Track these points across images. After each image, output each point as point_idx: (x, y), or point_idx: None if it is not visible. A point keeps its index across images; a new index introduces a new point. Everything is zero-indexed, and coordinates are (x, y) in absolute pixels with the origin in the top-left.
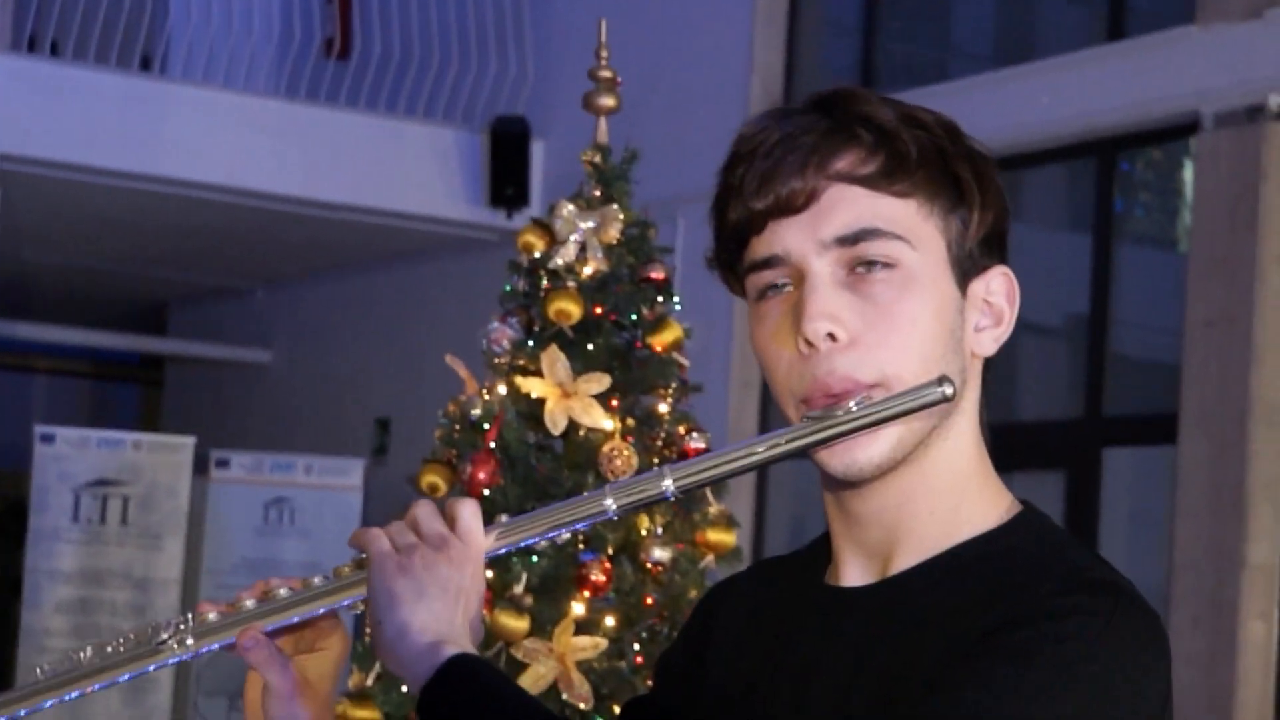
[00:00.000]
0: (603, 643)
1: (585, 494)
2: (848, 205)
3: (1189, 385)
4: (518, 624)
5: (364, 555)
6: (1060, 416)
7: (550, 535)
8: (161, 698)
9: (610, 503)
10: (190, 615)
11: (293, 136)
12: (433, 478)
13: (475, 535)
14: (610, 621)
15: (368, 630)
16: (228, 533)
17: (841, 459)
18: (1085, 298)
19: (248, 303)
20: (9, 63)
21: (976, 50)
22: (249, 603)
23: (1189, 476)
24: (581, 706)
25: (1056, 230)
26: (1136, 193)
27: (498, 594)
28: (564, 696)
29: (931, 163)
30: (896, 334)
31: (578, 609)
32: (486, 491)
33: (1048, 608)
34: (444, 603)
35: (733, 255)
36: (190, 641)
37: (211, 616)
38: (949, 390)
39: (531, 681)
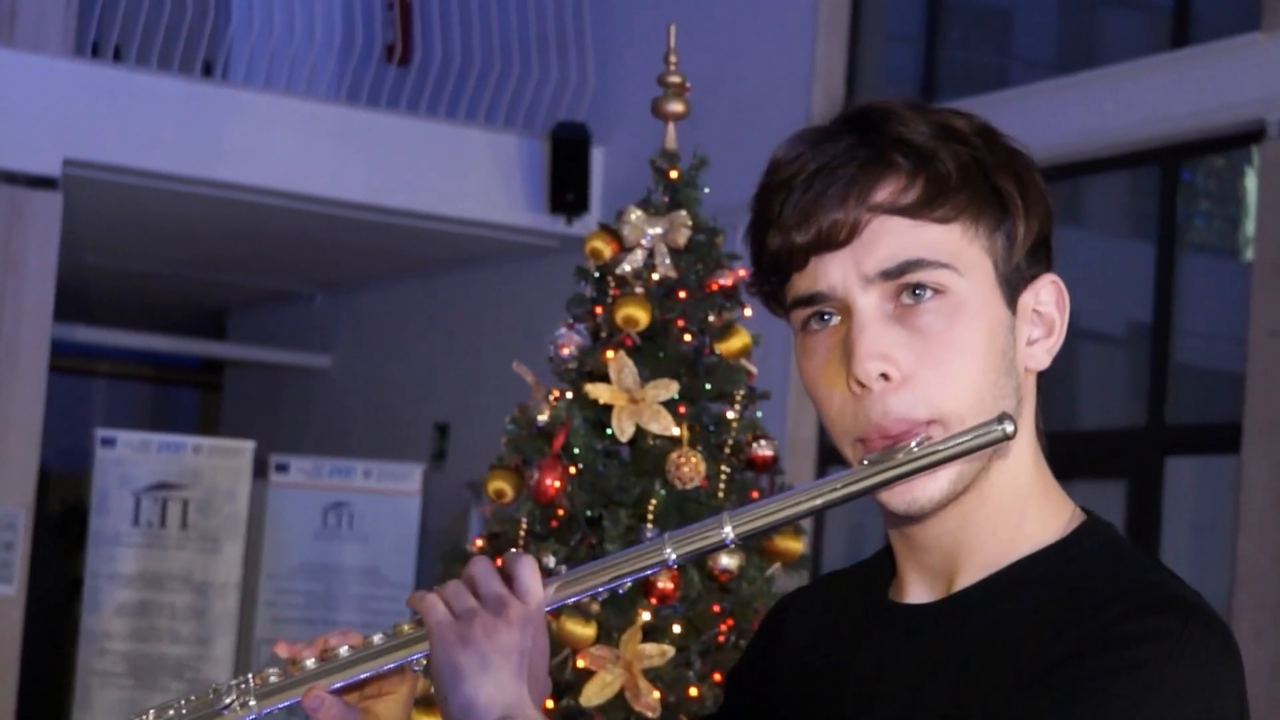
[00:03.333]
0: (670, 650)
1: (644, 543)
2: (891, 237)
3: (1253, 394)
4: (585, 631)
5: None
6: (1122, 425)
7: (611, 586)
8: None
9: (670, 552)
10: (251, 676)
11: (353, 142)
12: (500, 484)
13: (534, 593)
14: (677, 629)
15: None
16: (287, 537)
17: (902, 498)
18: (1148, 306)
19: (307, 308)
20: (72, 68)
21: (1038, 58)
22: (310, 662)
23: (1252, 486)
24: (648, 715)
25: (1119, 238)
26: (1199, 201)
27: None
28: (631, 705)
29: (972, 180)
30: (948, 365)
31: (645, 617)
32: (554, 498)
33: (1117, 634)
34: (508, 672)
35: (774, 285)
36: (253, 703)
37: (273, 678)
38: (1010, 428)
39: (598, 689)
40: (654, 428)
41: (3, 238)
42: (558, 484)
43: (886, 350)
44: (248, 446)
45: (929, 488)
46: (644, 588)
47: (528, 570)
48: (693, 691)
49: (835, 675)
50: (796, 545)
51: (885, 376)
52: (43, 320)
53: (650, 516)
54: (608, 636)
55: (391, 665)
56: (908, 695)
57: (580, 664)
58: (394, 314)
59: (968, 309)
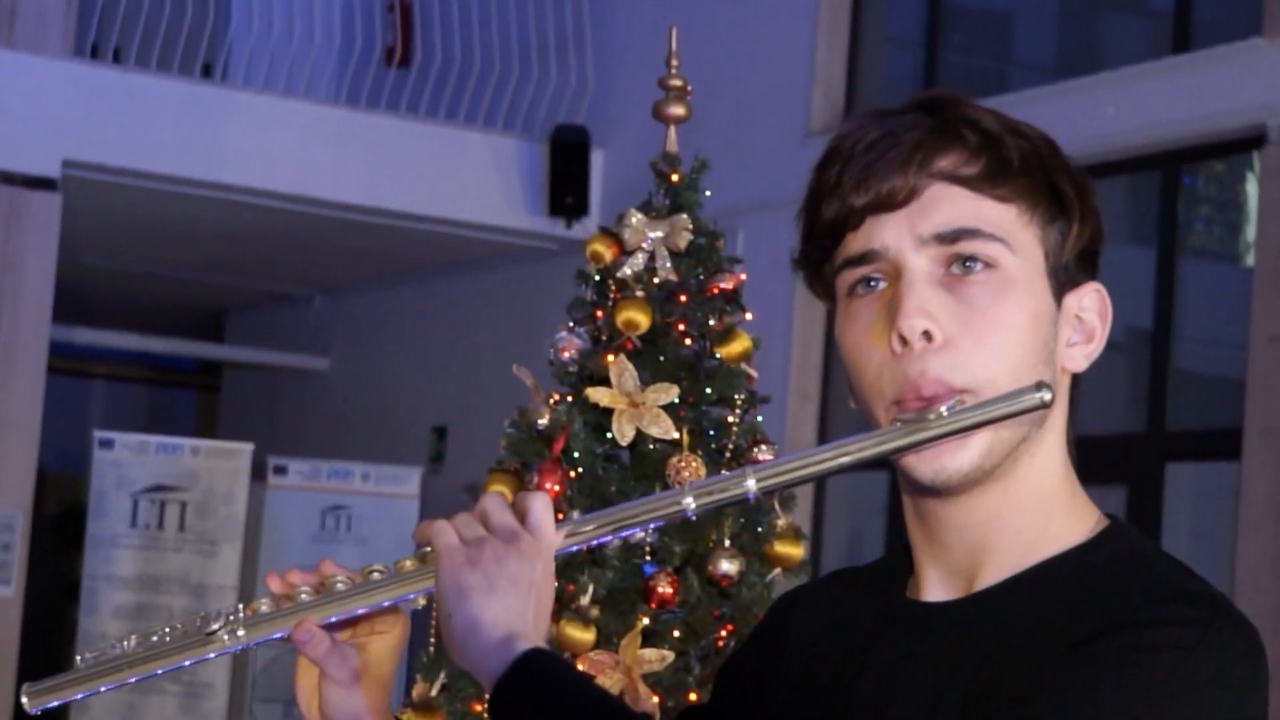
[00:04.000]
0: (669, 655)
1: (664, 491)
2: (949, 203)
3: (1253, 400)
4: (584, 635)
5: (426, 550)
6: (1123, 431)
7: (624, 534)
8: (217, 703)
9: (690, 501)
10: (241, 606)
11: (353, 144)
12: (499, 487)
13: (546, 529)
14: (677, 634)
15: (431, 640)
16: (284, 539)
17: (930, 465)
18: (1148, 311)
19: (306, 310)
20: (72, 69)
21: (1039, 62)
22: (303, 595)
23: (1252, 492)
24: None
25: (1119, 243)
26: (1200, 206)
27: (564, 605)
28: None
29: (1033, 171)
30: (990, 338)
31: (644, 621)
32: (553, 501)
33: (1142, 617)
34: (515, 597)
35: (824, 254)
36: (241, 633)
37: (264, 608)
38: (1047, 396)
39: None
40: (654, 431)
41: (1, 238)
42: (557, 488)
43: (932, 310)
44: (246, 449)
45: (958, 456)
46: (643, 593)
47: (541, 506)
48: (692, 697)
49: (849, 673)
50: (796, 550)
51: (928, 336)
52: (41, 321)
53: None
54: (607, 641)
55: (388, 602)
56: (926, 694)
57: (579, 668)
58: (392, 316)
59: (1016, 287)
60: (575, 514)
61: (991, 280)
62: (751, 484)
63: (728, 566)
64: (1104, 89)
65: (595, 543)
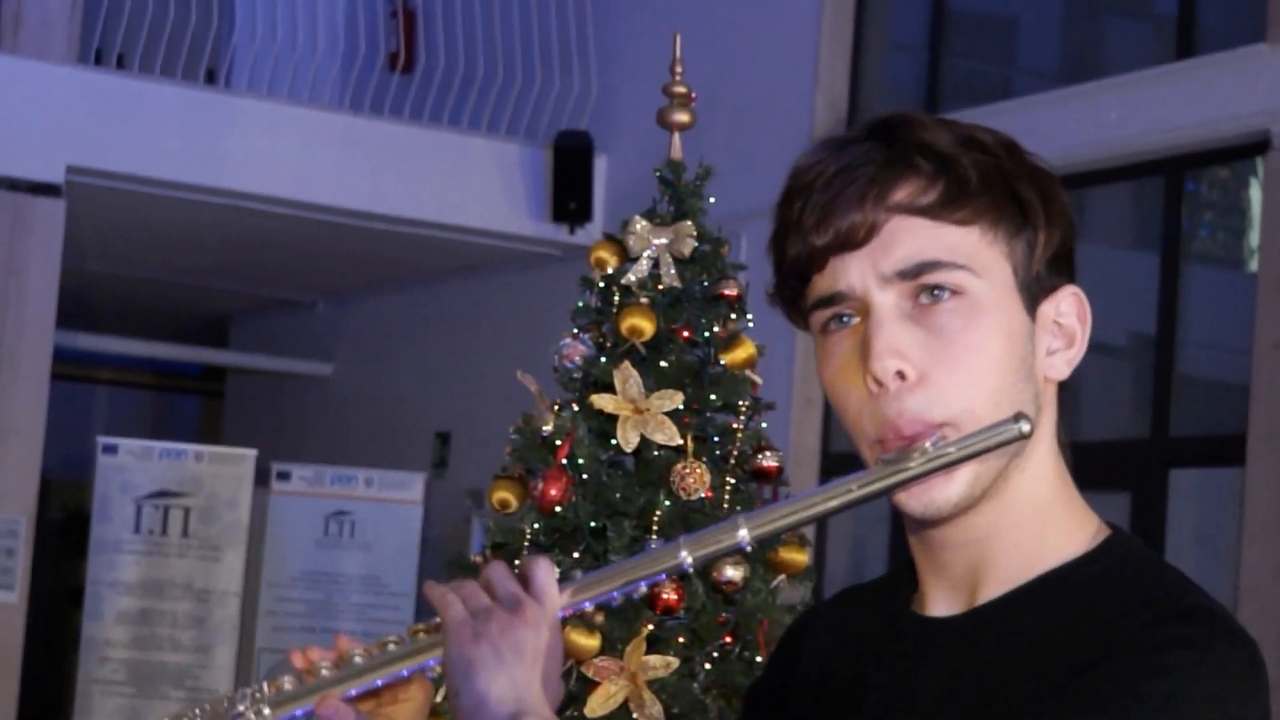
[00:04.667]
0: (674, 661)
1: (660, 546)
2: (909, 237)
3: (1257, 406)
4: (589, 642)
5: (437, 620)
6: (1126, 437)
7: (626, 590)
8: None
9: (686, 555)
10: (265, 684)
11: (356, 150)
12: (504, 494)
13: (550, 595)
14: (681, 640)
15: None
16: (288, 545)
17: (919, 500)
18: (1152, 317)
19: (309, 315)
20: (75, 75)
21: (1042, 68)
22: (324, 670)
23: (1256, 498)
24: None
25: (1122, 249)
26: (1203, 212)
27: None
28: (635, 716)
29: (993, 186)
30: (964, 366)
31: (649, 628)
32: (558, 509)
33: (1143, 640)
34: (521, 669)
35: (795, 291)
36: (267, 712)
37: (287, 686)
38: (1026, 428)
39: (602, 700)
40: (659, 438)
41: (5, 244)
42: (562, 495)
43: (903, 348)
44: (249, 454)
45: (946, 489)
46: (648, 599)
47: (544, 572)
48: (697, 703)
49: (855, 689)
50: (801, 557)
51: (901, 375)
52: (45, 327)
53: (655, 527)
54: (612, 647)
55: (407, 671)
56: (929, 709)
57: (585, 675)
58: (396, 322)
59: (986, 311)
60: (578, 573)
61: (961, 307)
62: (744, 534)
63: (733, 573)
64: (1107, 94)
65: (595, 602)
